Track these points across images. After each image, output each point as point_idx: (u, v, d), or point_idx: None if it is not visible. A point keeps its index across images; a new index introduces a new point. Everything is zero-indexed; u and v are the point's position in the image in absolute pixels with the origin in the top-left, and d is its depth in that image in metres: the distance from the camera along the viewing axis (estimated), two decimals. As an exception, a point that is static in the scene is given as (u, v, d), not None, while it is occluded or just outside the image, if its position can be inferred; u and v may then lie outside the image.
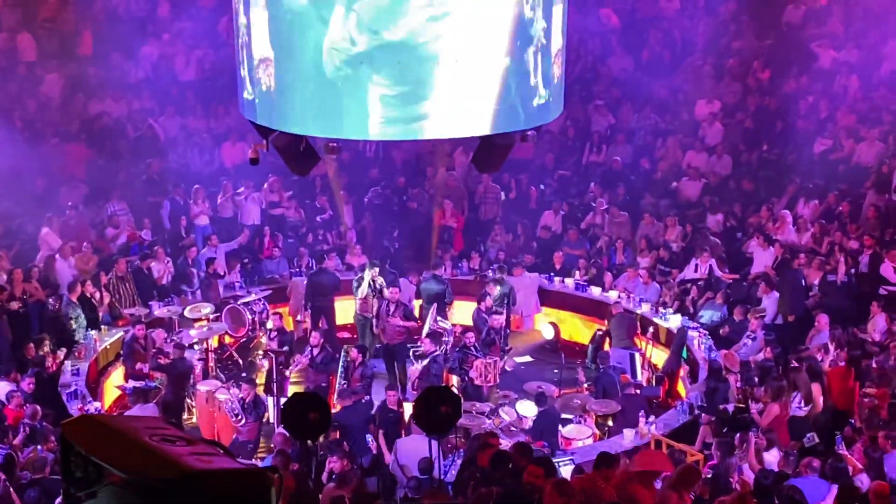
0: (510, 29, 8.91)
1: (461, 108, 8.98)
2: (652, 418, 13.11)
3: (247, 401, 13.39)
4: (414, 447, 11.37)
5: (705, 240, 17.93)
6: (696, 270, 17.25)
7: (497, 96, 9.04)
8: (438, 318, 15.89)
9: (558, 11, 9.55)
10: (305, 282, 17.14)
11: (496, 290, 16.55)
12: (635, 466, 9.05)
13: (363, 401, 13.70)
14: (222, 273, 17.52)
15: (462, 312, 17.23)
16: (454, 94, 8.86)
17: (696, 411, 13.18)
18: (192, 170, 20.62)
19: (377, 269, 16.40)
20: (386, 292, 15.95)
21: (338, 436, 12.75)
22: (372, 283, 16.22)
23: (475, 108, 9.03)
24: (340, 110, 9.06)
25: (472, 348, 14.88)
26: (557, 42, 9.66)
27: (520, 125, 9.55)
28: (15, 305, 15.17)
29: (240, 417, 13.38)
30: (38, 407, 12.35)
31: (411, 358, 15.22)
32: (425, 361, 14.40)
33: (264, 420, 13.93)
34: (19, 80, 21.83)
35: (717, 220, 18.87)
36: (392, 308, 15.52)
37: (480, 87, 8.94)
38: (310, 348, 14.75)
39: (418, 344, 15.06)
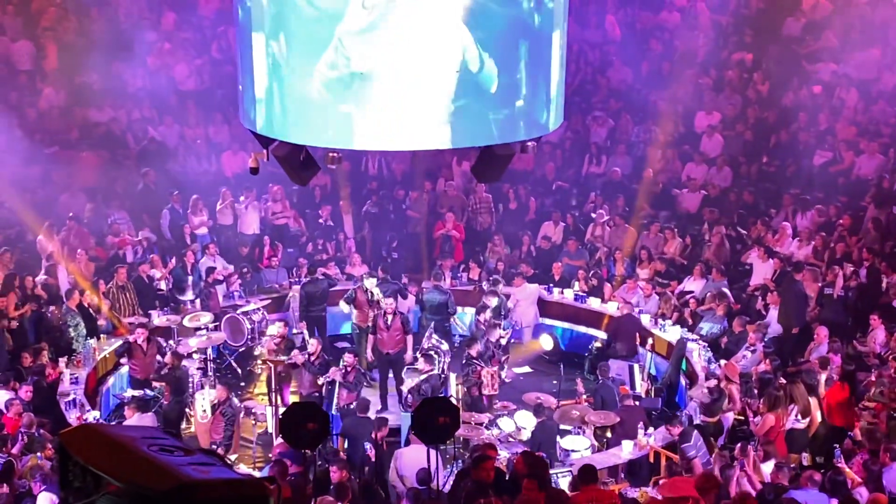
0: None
1: (428, 124, 9.12)
2: (651, 430, 13.09)
3: (221, 401, 13.43)
4: (414, 457, 11.37)
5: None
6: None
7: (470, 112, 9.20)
8: (435, 336, 15.90)
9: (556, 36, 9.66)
10: (299, 292, 17.13)
11: (493, 302, 16.54)
12: (664, 491, 9.03)
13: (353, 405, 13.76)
14: (222, 279, 17.51)
15: (463, 323, 17.25)
16: (423, 112, 9.03)
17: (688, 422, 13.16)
18: (191, 178, 20.64)
19: (374, 281, 16.39)
20: (383, 303, 15.91)
21: (342, 443, 12.76)
22: (370, 294, 16.21)
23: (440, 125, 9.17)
24: (328, 122, 9.21)
25: (478, 358, 14.89)
26: (556, 62, 9.75)
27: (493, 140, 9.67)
28: (14, 324, 15.13)
29: (205, 413, 13.38)
30: (33, 415, 12.34)
31: (403, 374, 15.26)
32: (420, 378, 14.38)
33: (240, 422, 14.05)
34: (19, 88, 21.86)
35: (717, 231, 18.82)
36: (389, 319, 15.46)
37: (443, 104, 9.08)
38: (307, 354, 14.75)
39: (417, 355, 15.08)
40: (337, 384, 14.30)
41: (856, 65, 22.16)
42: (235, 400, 14.28)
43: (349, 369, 14.28)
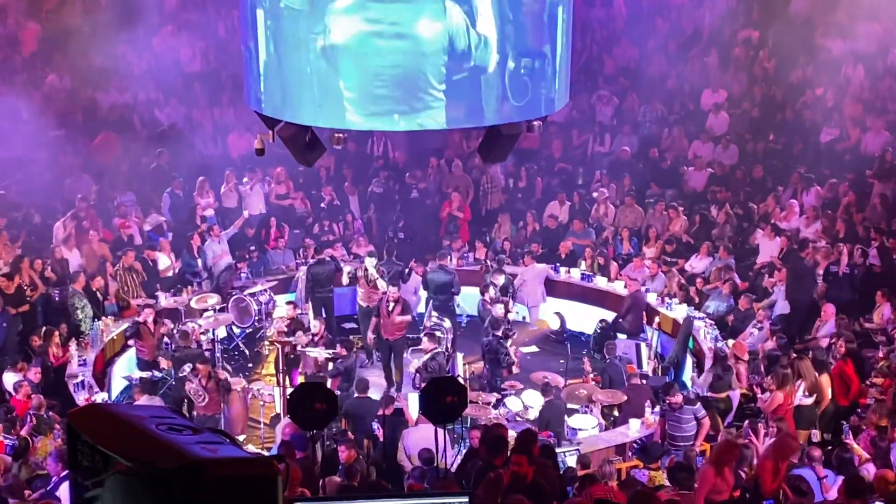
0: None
1: (425, 103, 9.10)
2: (658, 408, 13.10)
3: (202, 380, 13.43)
4: (421, 437, 11.39)
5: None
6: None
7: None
8: (435, 314, 15.90)
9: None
10: (305, 274, 17.11)
11: (500, 280, 16.51)
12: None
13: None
14: (234, 266, 17.53)
15: (470, 302, 17.24)
16: (420, 91, 9.01)
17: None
18: (197, 161, 20.61)
19: (374, 261, 16.32)
20: (384, 287, 15.85)
21: (344, 425, 12.79)
22: (367, 274, 16.14)
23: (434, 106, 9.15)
24: (323, 100, 9.22)
25: (504, 338, 14.92)
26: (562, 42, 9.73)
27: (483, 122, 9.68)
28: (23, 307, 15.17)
29: (202, 397, 13.35)
30: (43, 397, 12.38)
31: (408, 356, 15.25)
32: (425, 357, 14.38)
33: (248, 403, 14.16)
34: (24, 71, 21.83)
35: (724, 210, 18.78)
36: (391, 305, 15.42)
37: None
38: (311, 335, 14.78)
39: (421, 335, 15.09)
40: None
41: (862, 41, 22.04)
42: (222, 373, 14.30)
43: (337, 358, 14.33)
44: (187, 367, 13.64)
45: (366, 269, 16.17)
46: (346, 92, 9.09)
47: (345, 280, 16.96)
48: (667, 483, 10.44)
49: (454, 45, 8.89)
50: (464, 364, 15.49)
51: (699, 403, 12.37)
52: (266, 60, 9.46)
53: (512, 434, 11.92)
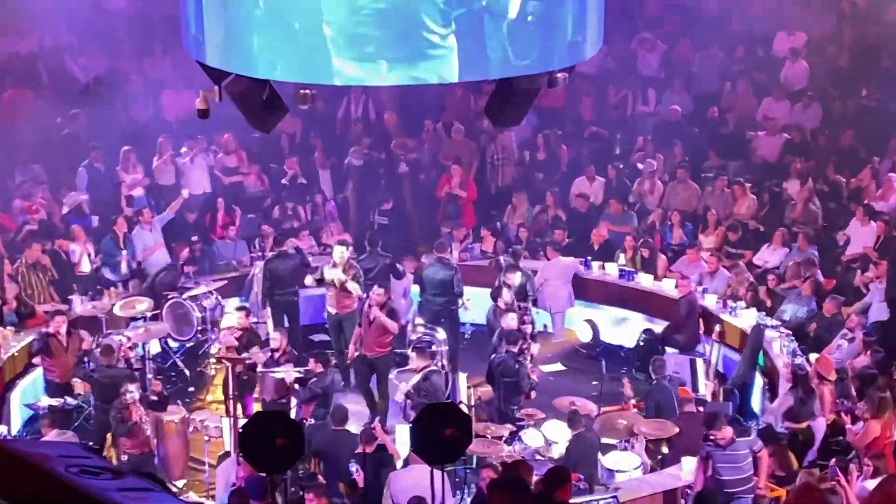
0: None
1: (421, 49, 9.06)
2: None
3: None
4: (414, 481, 11.39)
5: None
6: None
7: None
8: (420, 322, 15.89)
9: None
10: (262, 270, 17.05)
11: (517, 279, 16.49)
12: None
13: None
14: (180, 268, 17.51)
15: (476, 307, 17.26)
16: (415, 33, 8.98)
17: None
18: (123, 126, 20.59)
19: (343, 249, 16.15)
20: (352, 287, 15.78)
21: (314, 466, 12.80)
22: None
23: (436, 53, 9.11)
24: (283, 45, 9.16)
25: (520, 354, 14.95)
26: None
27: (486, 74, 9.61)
28: None
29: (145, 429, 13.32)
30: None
31: (394, 377, 15.23)
32: (416, 378, 14.34)
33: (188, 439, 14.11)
34: None
35: (806, 187, 18.78)
36: (373, 313, 15.32)
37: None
38: (270, 351, 14.74)
39: (408, 351, 15.08)
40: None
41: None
42: (156, 385, 14.37)
43: (310, 377, 14.32)
44: (132, 389, 13.52)
45: (333, 265, 16.05)
46: (314, 34, 9.03)
47: (307, 280, 16.77)
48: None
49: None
50: (468, 387, 15.48)
51: (755, 434, 12.37)
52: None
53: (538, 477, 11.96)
